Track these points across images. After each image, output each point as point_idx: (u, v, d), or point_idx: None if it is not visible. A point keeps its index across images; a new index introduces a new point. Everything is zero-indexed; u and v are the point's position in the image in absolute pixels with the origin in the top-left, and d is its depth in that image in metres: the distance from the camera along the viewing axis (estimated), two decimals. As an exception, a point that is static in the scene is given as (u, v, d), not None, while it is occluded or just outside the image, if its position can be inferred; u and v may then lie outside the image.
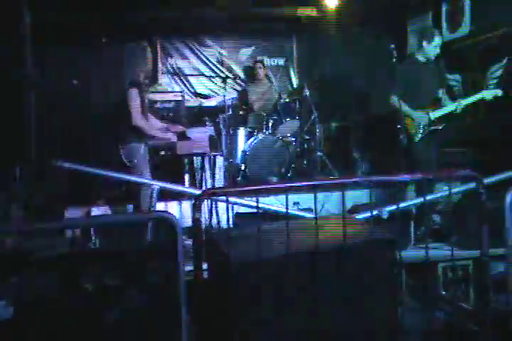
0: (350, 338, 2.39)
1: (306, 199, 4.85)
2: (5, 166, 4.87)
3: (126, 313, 2.29)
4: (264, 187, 2.47)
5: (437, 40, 4.76)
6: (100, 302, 2.26)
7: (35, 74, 5.64)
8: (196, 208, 2.38)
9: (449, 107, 4.69)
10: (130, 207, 4.77)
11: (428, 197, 3.61)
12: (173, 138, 4.80)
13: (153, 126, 4.76)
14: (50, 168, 3.82)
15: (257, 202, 2.49)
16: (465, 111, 4.81)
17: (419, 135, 4.67)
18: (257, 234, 2.25)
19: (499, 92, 4.59)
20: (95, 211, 4.87)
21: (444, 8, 6.63)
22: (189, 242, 3.41)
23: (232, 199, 3.68)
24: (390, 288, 2.50)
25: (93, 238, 4.08)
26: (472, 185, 2.69)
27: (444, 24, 6.62)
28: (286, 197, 2.45)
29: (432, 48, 4.76)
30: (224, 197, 2.92)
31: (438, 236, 4.05)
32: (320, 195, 4.70)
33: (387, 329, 2.47)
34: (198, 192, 4.01)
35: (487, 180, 3.36)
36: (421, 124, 4.67)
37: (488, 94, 4.62)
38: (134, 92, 4.31)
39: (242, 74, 7.98)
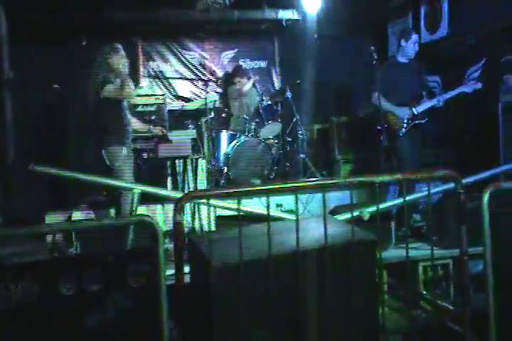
0: (331, 338, 2.40)
1: (288, 200, 4.87)
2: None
3: (107, 318, 2.28)
4: (245, 189, 2.47)
5: (414, 38, 4.83)
6: (80, 308, 2.24)
7: (11, 75, 5.57)
8: (177, 211, 2.37)
9: (432, 101, 4.76)
10: (112, 211, 4.74)
11: (408, 198, 3.65)
12: (153, 129, 4.85)
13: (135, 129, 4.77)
14: (27, 171, 3.77)
15: (239, 204, 2.48)
16: (445, 109, 4.89)
17: (403, 129, 4.73)
18: (238, 237, 2.25)
19: (479, 86, 4.65)
20: (77, 216, 4.82)
21: (422, 10, 6.71)
22: (172, 245, 3.41)
23: (213, 202, 3.68)
24: (371, 288, 2.52)
25: (74, 243, 4.04)
26: (451, 184, 2.71)
27: (423, 26, 6.69)
28: (267, 199, 2.45)
29: (411, 46, 4.83)
30: (205, 200, 2.91)
31: (419, 235, 4.09)
32: (302, 197, 4.73)
33: (368, 329, 2.48)
34: (179, 195, 3.99)
35: (466, 180, 3.41)
36: (404, 119, 4.73)
37: (468, 88, 4.69)
38: (110, 87, 4.29)
39: (223, 78, 7.96)
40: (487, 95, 4.86)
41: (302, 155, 6.47)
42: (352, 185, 2.65)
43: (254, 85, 7.40)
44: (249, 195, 2.42)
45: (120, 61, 4.43)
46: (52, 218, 4.72)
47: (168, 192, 4.77)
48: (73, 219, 4.68)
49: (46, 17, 6.31)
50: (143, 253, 2.45)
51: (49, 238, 4.31)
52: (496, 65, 5.37)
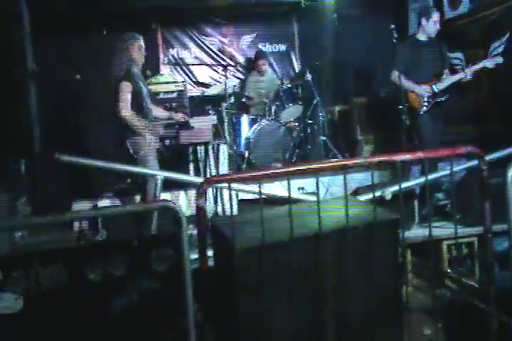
0: (356, 319, 2.41)
1: (310, 183, 4.86)
2: (8, 160, 4.90)
3: (133, 302, 2.33)
4: (265, 172, 2.47)
5: (435, 17, 4.73)
6: (107, 292, 2.29)
7: (34, 66, 5.64)
8: (199, 195, 2.39)
9: (452, 78, 4.69)
10: (137, 198, 4.81)
11: (431, 176, 3.61)
12: (174, 116, 4.88)
13: (156, 115, 4.79)
14: (54, 161, 3.83)
15: (259, 187, 2.50)
16: (468, 86, 4.80)
17: (424, 108, 4.68)
18: (260, 220, 2.26)
19: (500, 60, 4.55)
20: (103, 203, 4.91)
21: (444, -15, 6.57)
22: (195, 231, 3.45)
23: (235, 186, 3.70)
24: (394, 267, 2.52)
25: (100, 230, 4.12)
26: (475, 162, 2.67)
27: (445, 2, 6.56)
28: (289, 182, 2.46)
29: (432, 25, 4.74)
30: (226, 184, 2.93)
31: (442, 214, 4.05)
32: (324, 179, 4.72)
33: (392, 309, 2.49)
34: (200, 180, 4.03)
35: (489, 157, 3.36)
36: (425, 97, 4.68)
37: (489, 63, 4.60)
38: (123, 85, 4.30)
39: (244, 63, 7.94)
40: (511, 71, 4.76)
41: (323, 138, 6.43)
42: (373, 166, 2.63)
43: (273, 69, 7.38)
44: (269, 178, 2.42)
45: (140, 50, 4.45)
46: (79, 207, 4.82)
47: (190, 177, 4.81)
48: (99, 206, 4.76)
49: (67, 6, 6.34)
50: (167, 239, 2.49)
51: (76, 226, 4.41)
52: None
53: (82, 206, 4.83)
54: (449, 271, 3.75)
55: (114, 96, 4.35)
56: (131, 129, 4.38)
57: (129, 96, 4.29)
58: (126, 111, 4.29)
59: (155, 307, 2.37)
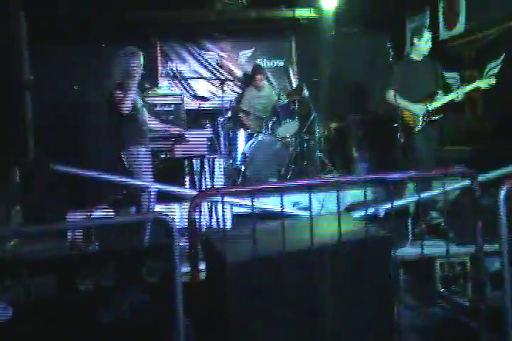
0: (347, 337, 2.40)
1: (305, 199, 4.87)
2: (3, 168, 4.89)
3: (124, 314, 2.31)
4: (259, 187, 2.49)
5: (427, 35, 4.79)
6: (97, 303, 2.28)
7: (31, 76, 5.66)
8: (192, 208, 2.40)
9: (447, 97, 4.73)
10: (132, 210, 4.80)
11: (424, 195, 3.63)
12: (171, 129, 4.88)
13: (153, 128, 4.81)
14: (48, 171, 3.83)
15: (252, 201, 2.50)
16: (462, 106, 4.84)
17: (419, 126, 4.72)
18: (252, 234, 2.27)
19: (494, 81, 4.60)
20: (97, 214, 4.90)
21: (440, 6, 6.66)
22: (188, 244, 3.44)
23: (229, 200, 3.70)
24: (386, 285, 2.52)
25: (93, 241, 4.10)
26: (468, 182, 2.69)
27: (441, 22, 6.64)
28: (281, 197, 2.47)
29: (423, 44, 4.79)
30: (220, 198, 2.93)
31: (436, 232, 4.06)
32: (320, 195, 4.73)
33: (384, 328, 2.48)
34: (194, 193, 4.03)
35: (482, 177, 3.39)
36: (419, 116, 4.72)
37: (483, 84, 4.64)
38: (118, 92, 4.32)
39: (241, 77, 8.00)
40: (506, 91, 4.81)
41: (319, 154, 6.46)
42: (367, 183, 2.64)
43: (271, 84, 7.43)
44: (263, 192, 2.43)
45: (138, 66, 4.46)
46: (73, 217, 4.80)
47: (184, 190, 4.81)
48: (93, 217, 4.75)
49: (66, 18, 6.39)
50: (159, 250, 2.49)
51: (69, 236, 4.39)
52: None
53: (76, 216, 4.82)
54: (441, 289, 3.75)
55: (107, 106, 4.37)
56: (127, 140, 4.39)
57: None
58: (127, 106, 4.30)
59: (145, 320, 2.36)
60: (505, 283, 2.50)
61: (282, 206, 2.43)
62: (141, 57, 4.47)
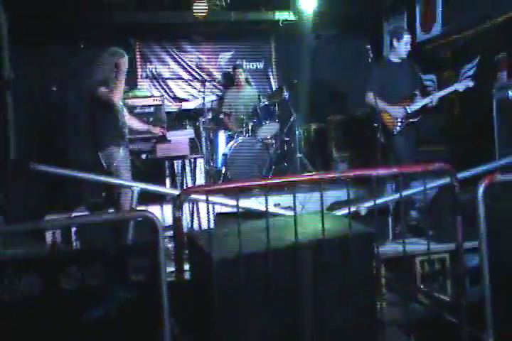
0: (332, 331, 2.43)
1: (286, 200, 4.91)
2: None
3: (108, 313, 2.30)
4: (244, 184, 2.50)
5: (406, 38, 4.86)
6: (81, 302, 2.27)
7: (12, 75, 5.59)
8: (176, 207, 2.40)
9: (425, 100, 4.80)
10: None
11: (405, 193, 3.68)
12: (152, 129, 4.86)
13: (135, 128, 4.79)
14: (28, 172, 3.78)
15: (237, 200, 2.52)
16: (440, 106, 4.92)
17: (398, 128, 4.78)
18: (237, 233, 2.28)
19: (471, 84, 4.69)
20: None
21: (417, 9, 6.77)
22: (171, 245, 3.44)
23: (212, 199, 3.70)
24: (369, 281, 2.55)
25: (74, 242, 4.06)
26: (447, 179, 2.74)
27: (418, 24, 6.75)
28: (266, 195, 2.49)
29: (403, 46, 4.86)
30: (204, 197, 2.94)
31: (415, 231, 4.12)
32: (300, 196, 4.76)
33: (366, 322, 2.51)
34: (177, 192, 4.02)
35: (461, 175, 3.45)
36: (398, 118, 4.78)
37: (460, 86, 4.72)
38: (102, 88, 4.29)
39: (221, 79, 8.01)
40: (482, 92, 4.91)
41: (300, 155, 6.51)
42: (349, 180, 2.68)
43: (250, 84, 7.46)
44: (247, 190, 2.45)
45: (123, 67, 4.44)
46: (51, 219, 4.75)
47: (167, 189, 4.80)
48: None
49: (46, 17, 6.34)
50: (144, 248, 2.48)
51: (49, 237, 4.34)
52: (489, 62, 5.41)
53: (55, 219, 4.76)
54: (421, 286, 3.81)
55: (89, 103, 4.34)
56: (106, 141, 4.36)
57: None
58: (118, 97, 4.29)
59: (131, 318, 2.35)
60: (484, 278, 2.56)
61: (267, 203, 2.45)
62: (126, 58, 4.45)
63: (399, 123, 4.80)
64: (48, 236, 4.48)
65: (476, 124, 5.34)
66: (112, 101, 4.26)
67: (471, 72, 5.69)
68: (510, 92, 4.64)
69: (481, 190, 2.56)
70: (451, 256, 3.83)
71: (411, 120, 4.81)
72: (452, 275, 3.78)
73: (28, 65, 6.38)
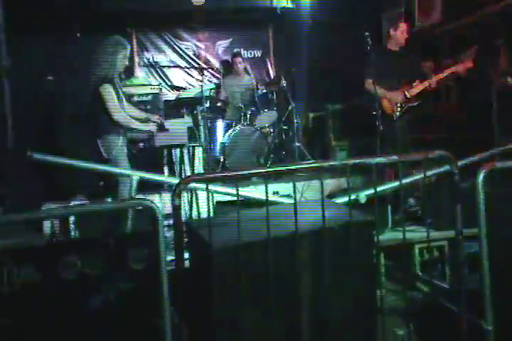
0: (332, 319, 2.43)
1: (285, 188, 4.90)
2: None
3: (109, 301, 2.30)
4: (244, 172, 2.48)
5: (403, 27, 4.84)
6: (81, 291, 2.27)
7: (8, 62, 5.54)
8: (176, 195, 2.39)
9: (424, 83, 4.79)
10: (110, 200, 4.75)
11: (404, 181, 3.68)
12: (154, 130, 4.81)
13: (134, 117, 4.76)
14: (25, 161, 3.76)
15: (237, 188, 2.51)
16: (439, 94, 4.91)
17: (397, 113, 4.78)
18: (237, 221, 2.27)
19: (470, 64, 4.65)
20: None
21: (416, -4, 6.71)
22: (169, 234, 3.43)
23: (211, 187, 3.70)
24: (369, 268, 2.55)
25: (73, 231, 4.05)
26: (446, 167, 2.74)
27: (417, 12, 6.70)
28: (266, 183, 2.48)
29: (399, 34, 4.84)
30: (203, 185, 2.93)
31: (414, 219, 4.13)
32: (298, 185, 4.76)
33: (366, 310, 2.52)
34: (176, 180, 4.01)
35: (461, 162, 3.44)
36: (398, 103, 4.77)
37: (460, 67, 4.69)
38: (108, 88, 4.26)
39: (219, 67, 7.96)
40: (481, 78, 4.88)
41: (298, 144, 6.49)
42: (348, 169, 2.66)
43: (248, 73, 7.42)
44: (247, 177, 2.44)
45: (126, 57, 4.40)
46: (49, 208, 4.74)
47: (166, 178, 4.79)
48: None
49: (42, 6, 6.27)
50: (143, 237, 2.48)
51: (47, 227, 4.33)
52: (488, 48, 5.38)
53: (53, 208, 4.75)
54: (420, 273, 3.82)
55: (91, 96, 4.31)
56: (104, 129, 4.33)
57: (115, 99, 4.26)
58: (118, 114, 4.26)
59: (131, 307, 2.35)
60: (483, 265, 2.56)
61: (267, 191, 2.44)
62: (128, 47, 4.41)
63: (398, 109, 4.79)
64: (46, 225, 4.47)
65: (475, 111, 5.32)
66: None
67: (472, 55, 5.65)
68: (509, 79, 4.62)
69: (480, 177, 2.55)
70: (450, 244, 3.84)
71: (410, 104, 4.81)
72: (451, 262, 3.79)
73: (24, 54, 6.33)
